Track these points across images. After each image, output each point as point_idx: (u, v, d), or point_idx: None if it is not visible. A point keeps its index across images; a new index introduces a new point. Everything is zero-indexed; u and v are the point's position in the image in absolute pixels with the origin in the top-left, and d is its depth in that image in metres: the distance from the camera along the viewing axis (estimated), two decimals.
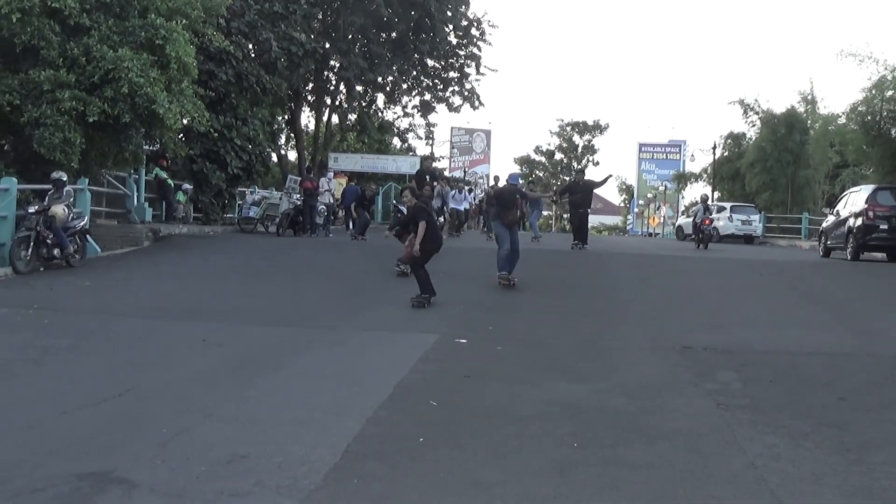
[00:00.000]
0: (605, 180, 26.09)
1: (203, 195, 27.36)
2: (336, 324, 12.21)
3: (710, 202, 30.66)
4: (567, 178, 75.68)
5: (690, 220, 32.94)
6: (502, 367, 9.90)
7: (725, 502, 5.79)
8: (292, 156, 44.18)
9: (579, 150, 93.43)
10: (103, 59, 17.82)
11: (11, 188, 16.71)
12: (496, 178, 34.32)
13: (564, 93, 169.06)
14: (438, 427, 7.38)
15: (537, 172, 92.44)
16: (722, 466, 6.49)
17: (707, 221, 27.70)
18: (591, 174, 35.58)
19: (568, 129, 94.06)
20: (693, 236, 29.57)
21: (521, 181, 15.87)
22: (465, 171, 66.06)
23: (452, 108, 43.16)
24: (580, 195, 23.27)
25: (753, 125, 46.83)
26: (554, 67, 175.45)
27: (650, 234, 69.18)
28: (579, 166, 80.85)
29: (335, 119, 43.02)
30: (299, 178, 28.25)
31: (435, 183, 25.29)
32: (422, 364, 9.87)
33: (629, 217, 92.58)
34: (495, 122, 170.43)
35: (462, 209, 29.73)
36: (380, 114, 45.19)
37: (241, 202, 29.37)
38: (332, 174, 32.72)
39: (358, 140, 48.71)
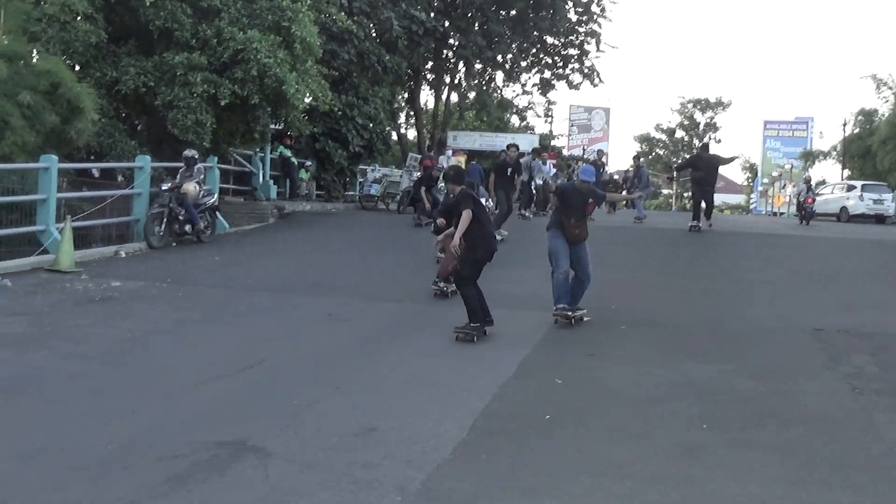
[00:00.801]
0: (732, 159, 25.29)
1: (325, 173, 27.84)
2: (458, 301, 12.23)
3: (812, 183, 32.78)
4: (687, 156, 74.06)
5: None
6: (627, 346, 9.81)
7: (864, 489, 5.63)
8: (411, 134, 44.50)
9: (701, 127, 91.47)
10: (233, 40, 18.27)
11: (146, 166, 17.37)
12: (599, 153, 33.23)
13: (686, 69, 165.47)
14: (565, 405, 7.37)
15: (657, 150, 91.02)
16: (859, 452, 6.31)
17: (809, 200, 29.54)
18: (714, 152, 34.07)
19: (689, 105, 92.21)
20: (797, 213, 31.72)
21: (595, 174, 11.96)
22: (583, 150, 65.33)
23: (572, 86, 42.71)
24: (704, 171, 22.16)
25: (886, 101, 44.96)
26: (676, 43, 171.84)
27: (775, 214, 67.22)
28: (701, 143, 79.13)
29: (454, 97, 43.10)
30: (420, 156, 28.45)
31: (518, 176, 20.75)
32: (544, 342, 9.88)
33: (752, 196, 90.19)
34: (615, 99, 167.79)
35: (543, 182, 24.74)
36: (498, 92, 45.07)
37: (362, 180, 29.77)
38: (450, 152, 32.87)
39: (477, 118, 48.70)
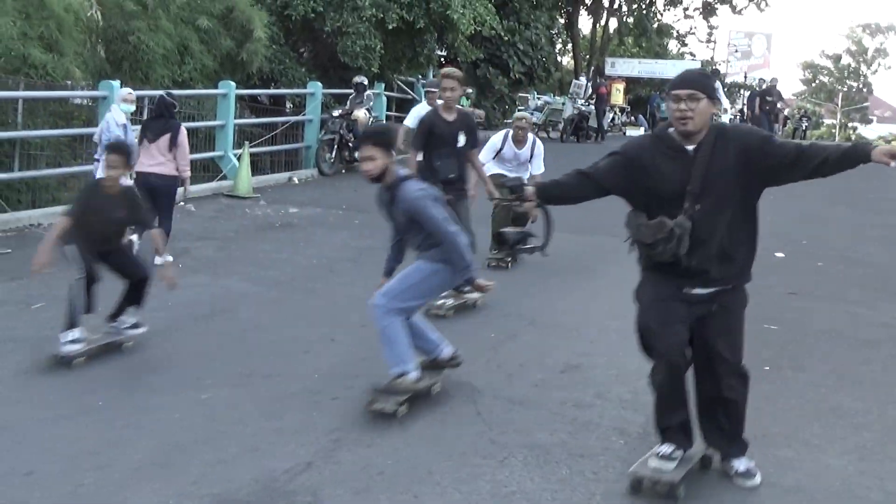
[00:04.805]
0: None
1: (485, 100, 27.49)
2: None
3: None
4: (854, 84, 70.40)
5: None
6: (827, 285, 9.25)
7: None
8: (566, 62, 43.60)
9: (869, 53, 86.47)
10: None
11: (317, 93, 17.40)
12: (763, 81, 28.80)
13: None
14: (776, 348, 6.95)
15: (821, 78, 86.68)
16: None
17: None
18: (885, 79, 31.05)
19: (858, 30, 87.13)
20: None
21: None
22: (744, 76, 62.79)
23: (736, 11, 41.22)
24: None
25: None
26: None
27: None
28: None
29: (613, 23, 41.98)
30: (583, 83, 27.77)
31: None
32: None
33: None
34: (779, 25, 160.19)
35: None
36: (658, 16, 43.65)
37: (522, 107, 29.29)
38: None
39: (635, 44, 47.31)
